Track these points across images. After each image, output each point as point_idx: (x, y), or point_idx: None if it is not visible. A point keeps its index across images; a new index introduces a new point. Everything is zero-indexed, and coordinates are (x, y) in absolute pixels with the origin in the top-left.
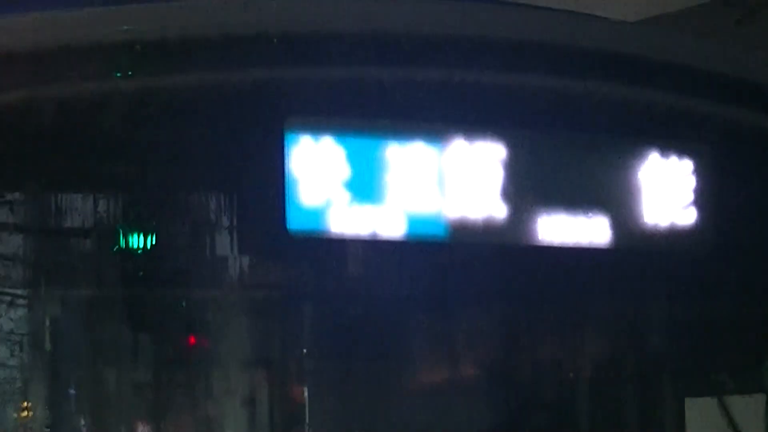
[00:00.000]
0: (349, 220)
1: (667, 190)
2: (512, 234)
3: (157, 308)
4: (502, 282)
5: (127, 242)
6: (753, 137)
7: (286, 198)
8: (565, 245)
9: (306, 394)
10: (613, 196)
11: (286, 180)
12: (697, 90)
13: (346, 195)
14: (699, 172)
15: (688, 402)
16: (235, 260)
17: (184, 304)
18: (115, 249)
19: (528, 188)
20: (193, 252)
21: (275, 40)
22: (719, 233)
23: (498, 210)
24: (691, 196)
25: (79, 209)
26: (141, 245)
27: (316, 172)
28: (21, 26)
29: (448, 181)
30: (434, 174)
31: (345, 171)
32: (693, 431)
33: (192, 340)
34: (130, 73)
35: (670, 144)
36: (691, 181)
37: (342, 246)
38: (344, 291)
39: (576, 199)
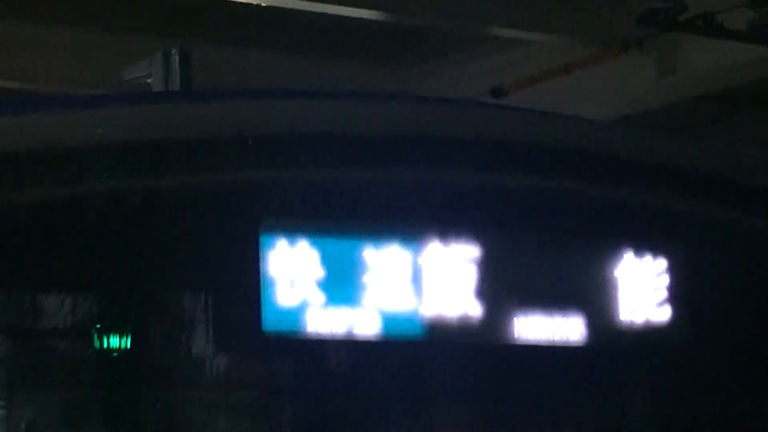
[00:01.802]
0: (325, 321)
1: (641, 287)
2: (488, 333)
3: (133, 409)
4: (478, 381)
5: (102, 343)
6: (729, 234)
7: (262, 300)
8: (542, 343)
9: None
10: (588, 295)
11: (262, 282)
12: (671, 188)
13: (322, 296)
14: (674, 269)
15: None
16: (212, 362)
17: (160, 404)
18: (91, 350)
19: (503, 287)
20: (169, 353)
21: (249, 142)
22: (696, 329)
23: (474, 309)
24: (666, 294)
25: (55, 311)
26: (117, 346)
27: (292, 273)
28: None
29: (424, 280)
30: (410, 274)
31: (320, 272)
32: None
33: None
34: (105, 175)
35: (645, 242)
36: (665, 279)
37: (318, 347)
38: (321, 392)
39: (552, 297)
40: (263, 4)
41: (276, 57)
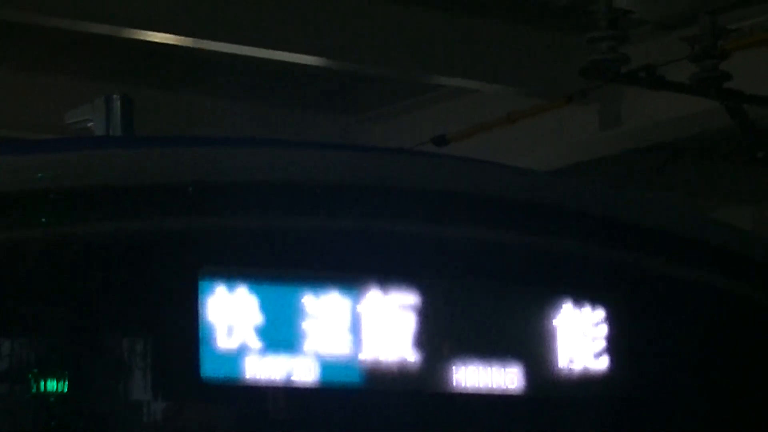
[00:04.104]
0: (263, 367)
1: (580, 337)
2: (428, 381)
3: None
4: (417, 429)
5: (39, 388)
6: (666, 286)
7: (200, 346)
8: (481, 392)
9: None
10: (527, 344)
11: (200, 328)
12: (610, 239)
13: (261, 343)
14: (612, 320)
15: None
16: (149, 408)
17: None
18: (27, 395)
19: (442, 336)
20: (107, 399)
21: (189, 189)
22: (634, 380)
23: (413, 357)
24: (605, 344)
25: None
26: (54, 391)
27: (231, 320)
28: None
29: (363, 328)
30: (349, 321)
31: (259, 319)
32: None
33: None
34: (44, 220)
35: (584, 292)
36: (604, 329)
37: (257, 394)
38: None
39: (491, 346)
40: (210, 49)
41: (219, 103)
